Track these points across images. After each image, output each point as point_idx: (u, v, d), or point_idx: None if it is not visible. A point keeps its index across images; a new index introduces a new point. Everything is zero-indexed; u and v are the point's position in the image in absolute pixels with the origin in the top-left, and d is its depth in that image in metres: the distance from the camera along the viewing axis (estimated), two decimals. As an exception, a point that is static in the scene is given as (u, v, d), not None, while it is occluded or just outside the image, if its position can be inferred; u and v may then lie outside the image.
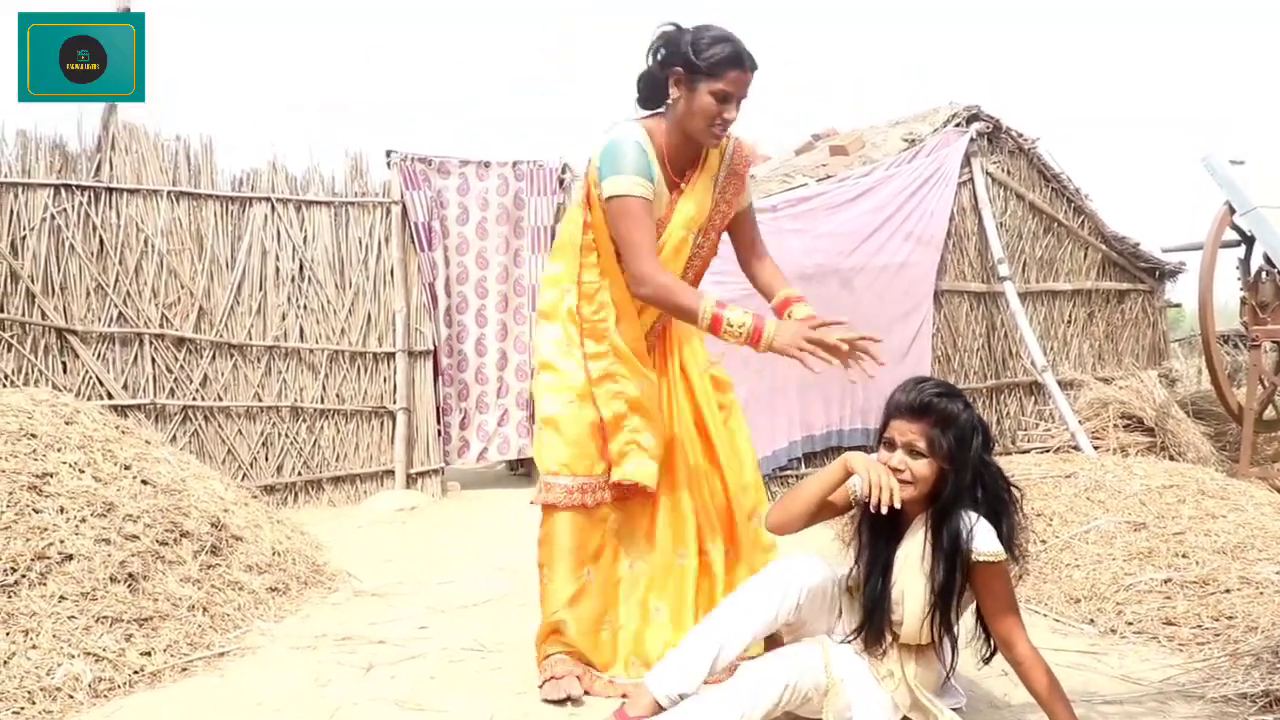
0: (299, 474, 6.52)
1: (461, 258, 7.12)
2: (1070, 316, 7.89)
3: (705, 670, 2.53)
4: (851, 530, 2.73)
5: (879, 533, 2.57)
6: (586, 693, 2.90)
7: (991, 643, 2.55)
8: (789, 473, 6.28)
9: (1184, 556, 3.91)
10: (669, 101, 2.83)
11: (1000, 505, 2.50)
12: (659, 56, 2.81)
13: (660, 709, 2.50)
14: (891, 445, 2.49)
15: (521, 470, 7.81)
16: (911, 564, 2.51)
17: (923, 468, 2.45)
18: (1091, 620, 3.66)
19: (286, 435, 6.50)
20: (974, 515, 2.45)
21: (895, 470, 2.45)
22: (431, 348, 6.91)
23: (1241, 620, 3.37)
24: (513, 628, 3.72)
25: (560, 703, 2.84)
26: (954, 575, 2.43)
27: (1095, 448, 6.36)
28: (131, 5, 5.44)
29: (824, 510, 2.66)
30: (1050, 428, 7.22)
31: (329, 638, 3.60)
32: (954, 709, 2.63)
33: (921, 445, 2.44)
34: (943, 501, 2.45)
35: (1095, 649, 3.36)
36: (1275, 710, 2.52)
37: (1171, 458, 6.34)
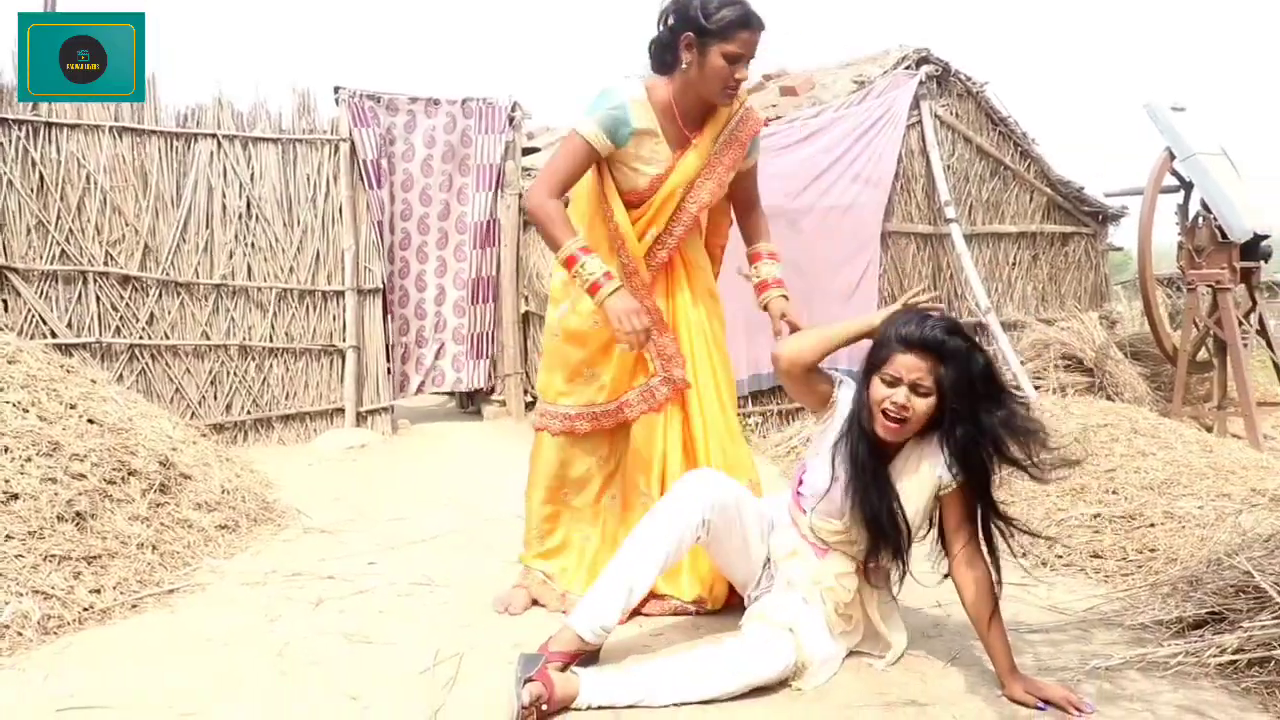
0: (248, 412, 6.50)
1: (406, 194, 7.08)
2: (1015, 259, 7.98)
3: (622, 603, 2.54)
4: (808, 455, 2.72)
5: (870, 456, 2.49)
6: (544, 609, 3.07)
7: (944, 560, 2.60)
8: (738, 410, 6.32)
9: (1114, 493, 4.00)
10: (682, 66, 2.86)
11: (1002, 422, 2.42)
12: (669, 22, 2.84)
13: (584, 642, 2.53)
14: (894, 381, 2.40)
15: (472, 408, 7.84)
16: (907, 482, 2.50)
17: (924, 406, 2.40)
18: (1024, 554, 3.72)
19: (235, 374, 6.46)
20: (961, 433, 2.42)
21: (900, 407, 2.38)
22: (381, 286, 6.89)
23: (1163, 553, 3.48)
24: (461, 562, 3.76)
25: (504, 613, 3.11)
26: (984, 471, 2.43)
27: (1036, 388, 6.51)
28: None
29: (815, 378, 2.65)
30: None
31: (278, 574, 3.61)
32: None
33: (928, 383, 2.38)
34: (946, 425, 2.41)
35: (1026, 581, 3.43)
36: (1187, 635, 2.63)
37: (1109, 397, 6.53)
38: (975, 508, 2.50)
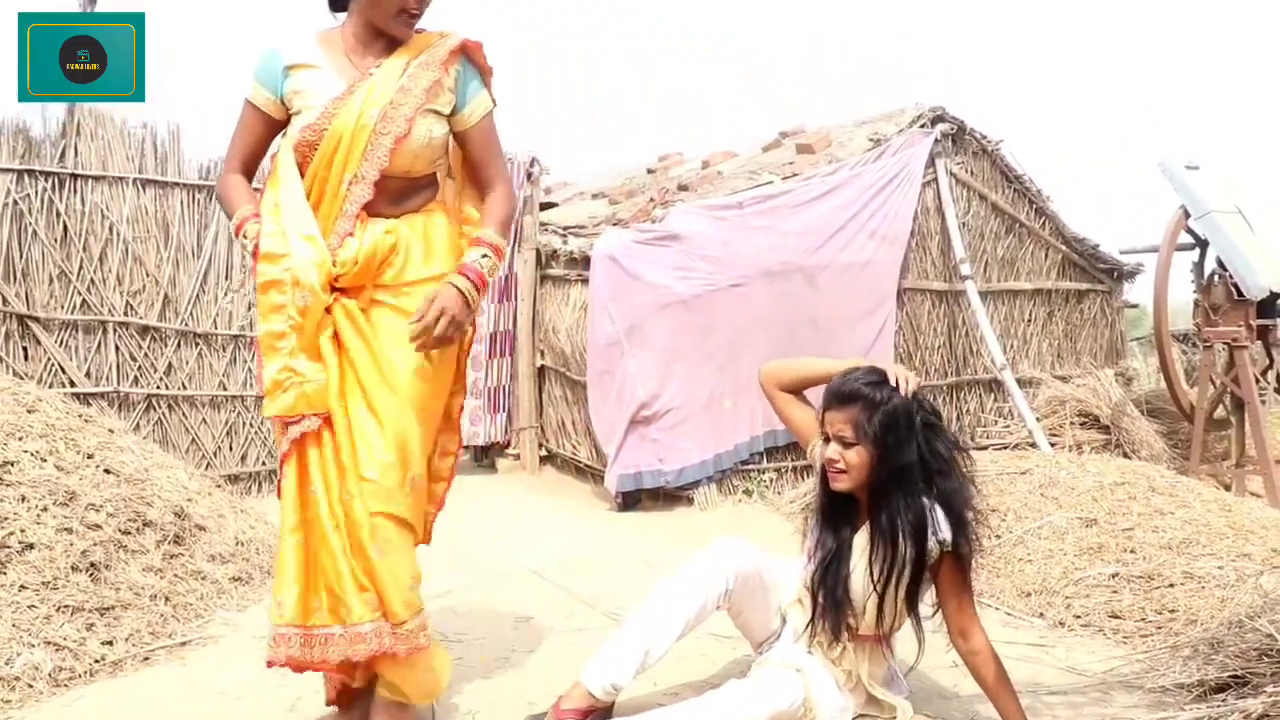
0: (263, 463, 6.50)
1: (429, 250, 7.09)
2: (1030, 315, 7.97)
3: (637, 663, 2.53)
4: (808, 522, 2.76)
5: (834, 520, 2.59)
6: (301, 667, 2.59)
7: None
8: (750, 467, 6.35)
9: (1132, 552, 3.99)
10: None
11: (952, 492, 2.50)
12: None
13: (594, 698, 2.52)
14: (826, 437, 2.52)
15: (486, 461, 7.83)
16: (866, 552, 2.54)
17: (854, 456, 2.47)
18: (1041, 614, 3.74)
19: (251, 425, 6.48)
20: (927, 502, 2.47)
21: (831, 461, 2.48)
22: (398, 339, 6.88)
23: (1183, 614, 3.46)
24: (474, 619, 3.76)
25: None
26: (899, 558, 2.46)
27: (1052, 444, 6.48)
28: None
29: (801, 408, 2.75)
30: (1009, 425, 7.31)
31: None
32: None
33: (849, 433, 2.47)
34: (875, 485, 2.47)
35: (1044, 641, 3.43)
36: (1209, 700, 2.59)
37: (1126, 455, 6.48)
38: (965, 576, 2.50)
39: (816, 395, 2.66)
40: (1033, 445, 6.49)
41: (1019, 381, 7.15)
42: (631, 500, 6.14)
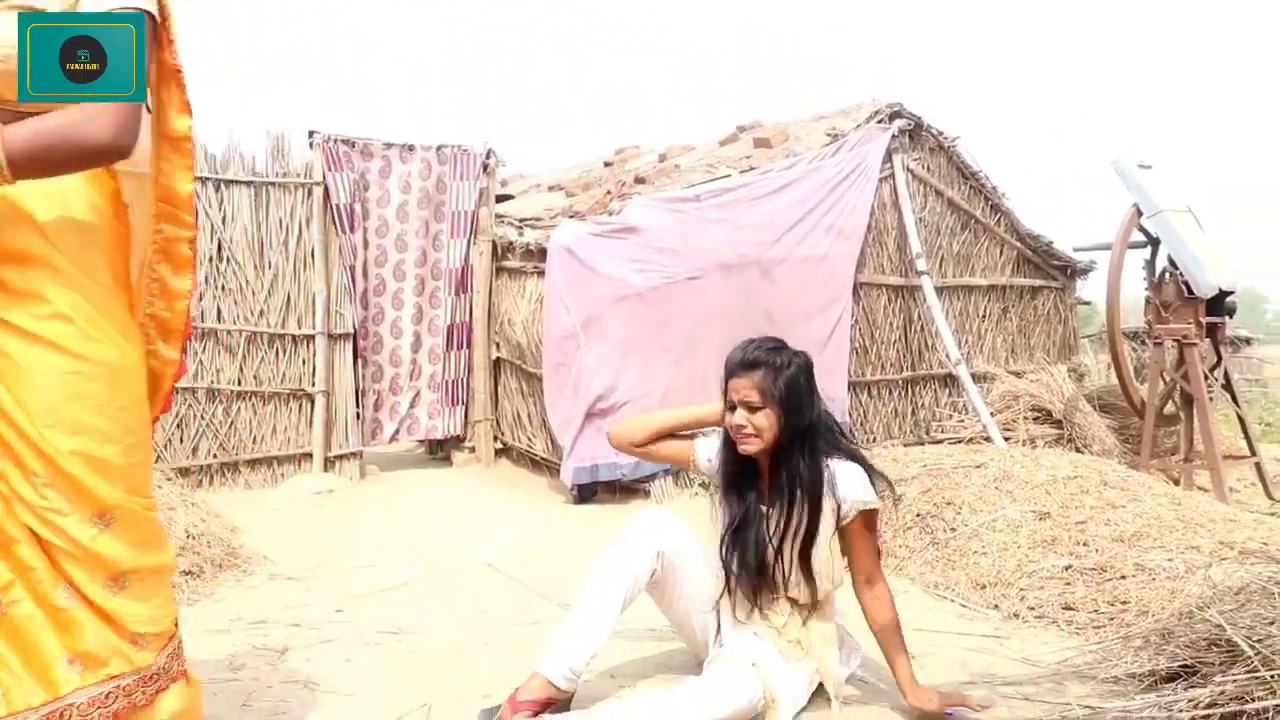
0: (215, 456, 6.41)
1: (381, 240, 7.05)
2: (985, 311, 8.06)
3: (591, 644, 2.55)
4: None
5: (739, 487, 2.67)
6: None
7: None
8: None
9: (1085, 545, 4.02)
10: None
11: (855, 451, 2.66)
12: None
13: (554, 687, 2.51)
14: (732, 405, 2.59)
15: (441, 454, 7.76)
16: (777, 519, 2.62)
17: (761, 419, 2.55)
18: (996, 605, 3.75)
19: (203, 417, 6.38)
20: (835, 461, 2.60)
21: (738, 427, 2.56)
22: (351, 330, 6.83)
23: (1134, 605, 3.49)
24: (429, 611, 3.74)
25: None
26: (795, 514, 2.57)
27: (1006, 439, 6.55)
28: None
29: (666, 443, 2.81)
30: (963, 419, 7.40)
31: (243, 621, 3.56)
32: (855, 665, 2.78)
33: (755, 398, 2.54)
34: (779, 447, 2.57)
35: (999, 633, 3.44)
36: (1159, 689, 2.62)
37: (1078, 449, 6.57)
38: (875, 531, 2.65)
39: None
40: (987, 439, 6.58)
41: (974, 376, 7.23)
42: (587, 493, 6.14)
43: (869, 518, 2.64)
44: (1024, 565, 3.95)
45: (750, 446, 2.59)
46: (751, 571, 2.64)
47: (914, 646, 3.10)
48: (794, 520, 2.59)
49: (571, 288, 6.13)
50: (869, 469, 2.65)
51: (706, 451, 2.78)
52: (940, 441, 6.78)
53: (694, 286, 6.25)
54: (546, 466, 6.74)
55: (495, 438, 7.34)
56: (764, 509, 2.65)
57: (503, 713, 2.48)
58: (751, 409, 2.57)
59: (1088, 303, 9.13)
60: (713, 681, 2.53)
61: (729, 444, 2.67)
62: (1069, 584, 3.77)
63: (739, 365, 2.60)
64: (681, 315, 6.22)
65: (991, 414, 6.81)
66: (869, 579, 2.65)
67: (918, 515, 4.59)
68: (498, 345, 7.29)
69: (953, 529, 4.40)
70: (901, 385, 7.58)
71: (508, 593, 4.02)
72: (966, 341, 7.88)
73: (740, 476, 2.69)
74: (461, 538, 5.07)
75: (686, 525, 2.75)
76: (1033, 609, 3.65)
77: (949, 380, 7.71)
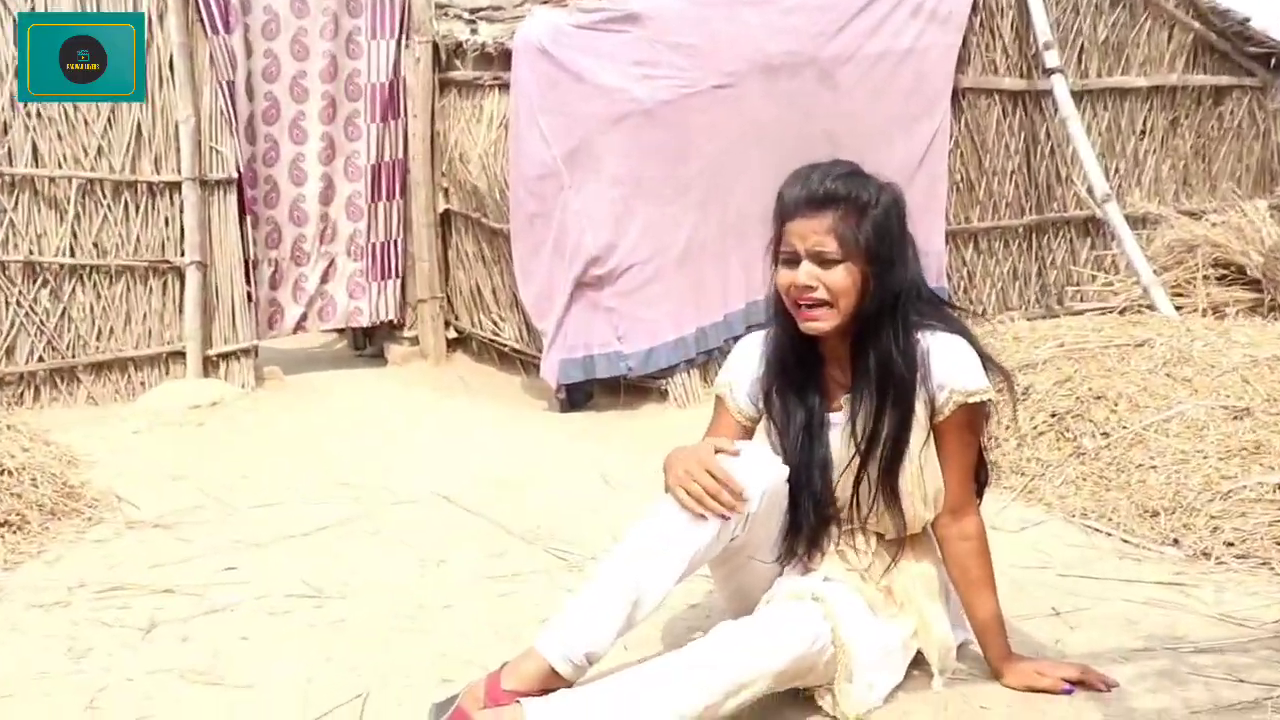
0: (41, 359, 6.37)
1: (270, 43, 6.90)
2: (1146, 125, 7.96)
3: (621, 622, 2.50)
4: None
5: (800, 383, 2.71)
6: None
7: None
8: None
9: (1307, 452, 4.02)
10: None
11: (948, 318, 2.70)
12: None
13: (557, 676, 2.46)
14: (793, 259, 2.58)
15: (371, 348, 7.73)
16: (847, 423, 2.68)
17: (839, 278, 2.54)
18: (1175, 540, 3.75)
19: (19, 303, 6.31)
20: (928, 335, 2.62)
21: (806, 289, 2.55)
22: (235, 175, 6.73)
23: (1389, 537, 3.49)
24: (360, 563, 3.78)
25: None
26: (890, 416, 2.61)
27: (1177, 308, 6.47)
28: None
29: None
30: (1112, 281, 7.35)
31: (88, 589, 3.55)
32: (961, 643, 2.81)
33: (831, 247, 2.53)
34: (864, 315, 2.58)
35: (1182, 579, 3.45)
36: None
37: (1288, 316, 6.49)
38: (978, 438, 2.72)
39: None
40: (1148, 308, 6.52)
41: (1129, 219, 7.10)
42: (579, 396, 6.19)
43: (972, 414, 2.65)
44: (1213, 483, 3.97)
45: (820, 322, 2.58)
46: (821, 502, 2.70)
47: (1060, 598, 3.29)
48: (880, 427, 2.62)
49: (549, 104, 6.10)
50: (981, 353, 2.68)
51: (744, 381, 2.81)
52: (1081, 312, 6.67)
53: (723, 99, 6.21)
54: (521, 361, 6.81)
55: (447, 323, 7.36)
56: (830, 415, 2.71)
57: (465, 701, 2.42)
58: (824, 263, 2.55)
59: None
60: (756, 625, 2.54)
61: (783, 322, 2.69)
62: (1284, 509, 3.76)
63: (803, 201, 2.58)
64: (706, 141, 6.19)
65: (1156, 271, 6.71)
66: (956, 507, 2.69)
67: (1053, 416, 4.64)
68: (446, 193, 7.26)
69: (1105, 434, 4.45)
70: (1023, 234, 7.52)
71: (472, 536, 4.06)
72: (1119, 169, 7.76)
73: (798, 369, 2.71)
74: (405, 463, 5.13)
75: (772, 454, 2.73)
76: (1231, 545, 3.66)
77: (1091, 226, 7.67)
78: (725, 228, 6.18)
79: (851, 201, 2.55)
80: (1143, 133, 7.97)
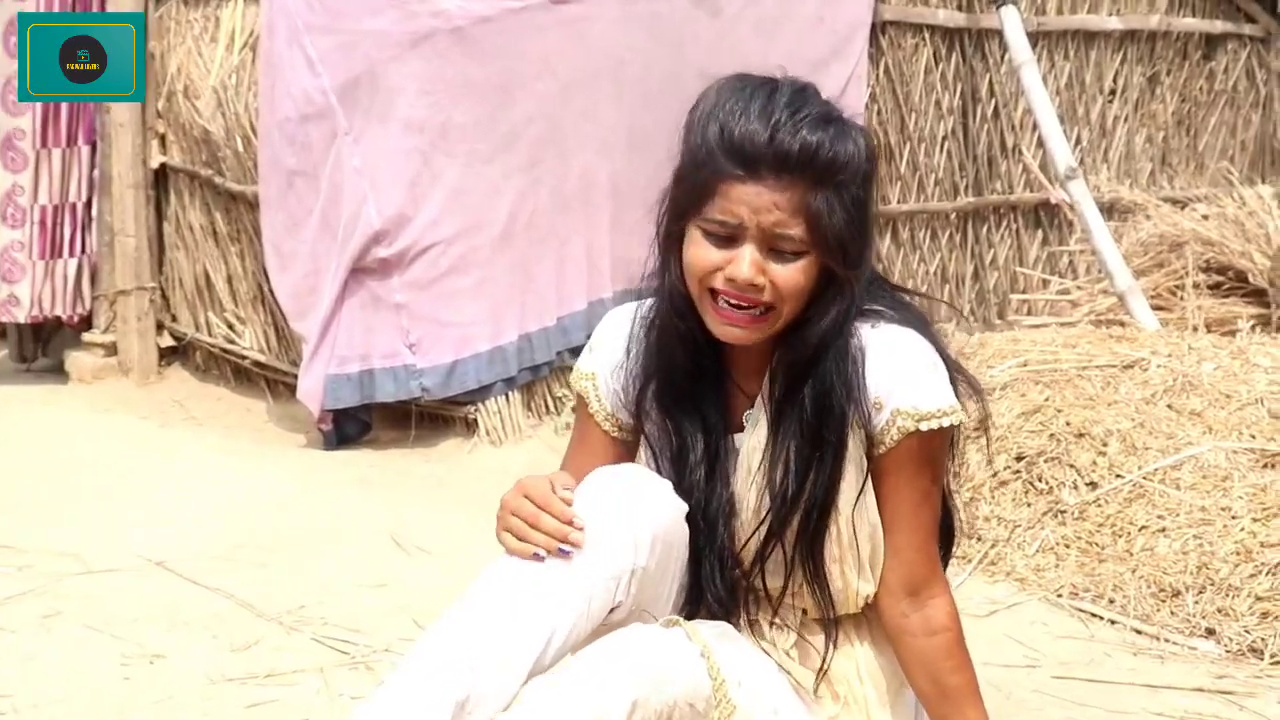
0: None
1: None
2: (1117, 82, 8.07)
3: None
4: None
5: (695, 403, 2.57)
6: None
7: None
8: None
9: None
10: None
11: (901, 305, 2.57)
12: None
13: None
14: (728, 236, 2.38)
15: (44, 360, 7.55)
16: (758, 460, 2.54)
17: (793, 277, 2.36)
18: (1209, 631, 3.74)
19: None
20: (865, 329, 2.46)
21: (748, 287, 2.36)
22: None
23: None
24: (32, 661, 3.67)
25: None
26: (824, 466, 2.46)
27: (1162, 321, 6.50)
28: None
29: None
30: (1073, 284, 7.40)
31: None
32: None
33: (797, 233, 2.34)
34: (807, 322, 2.42)
35: (1227, 684, 3.43)
36: None
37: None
38: (933, 484, 2.56)
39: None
40: (1118, 322, 6.52)
41: (1098, 205, 7.12)
42: (353, 428, 6.15)
43: (928, 445, 2.46)
44: (1251, 552, 3.98)
45: (750, 332, 2.41)
46: (726, 561, 2.58)
47: (1063, 711, 3.30)
48: (805, 485, 2.46)
49: (319, 19, 6.06)
50: (941, 350, 2.51)
51: (615, 373, 2.64)
52: (1034, 328, 6.66)
53: (566, 20, 6.26)
54: (267, 380, 6.79)
55: (160, 325, 7.16)
56: (734, 439, 2.59)
57: None
58: (779, 253, 2.35)
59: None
60: (604, 650, 2.40)
61: (681, 314, 2.49)
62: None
63: (767, 156, 2.33)
64: (540, 77, 6.21)
65: (1136, 275, 6.75)
66: (914, 584, 2.52)
67: (1019, 459, 4.67)
68: (163, 140, 7.09)
69: (1092, 484, 4.46)
70: (956, 222, 7.54)
71: (203, 620, 3.98)
72: (1079, 140, 7.82)
73: (693, 379, 2.55)
74: (99, 519, 4.99)
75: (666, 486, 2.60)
76: None
77: (1044, 214, 7.77)
78: (564, 198, 6.18)
79: (834, 168, 2.33)
80: (1112, 92, 8.09)
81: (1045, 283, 7.59)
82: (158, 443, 6.12)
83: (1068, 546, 4.22)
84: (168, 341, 7.16)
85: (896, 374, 2.43)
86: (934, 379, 2.44)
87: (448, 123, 6.03)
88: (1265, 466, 4.28)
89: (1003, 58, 7.33)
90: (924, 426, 2.42)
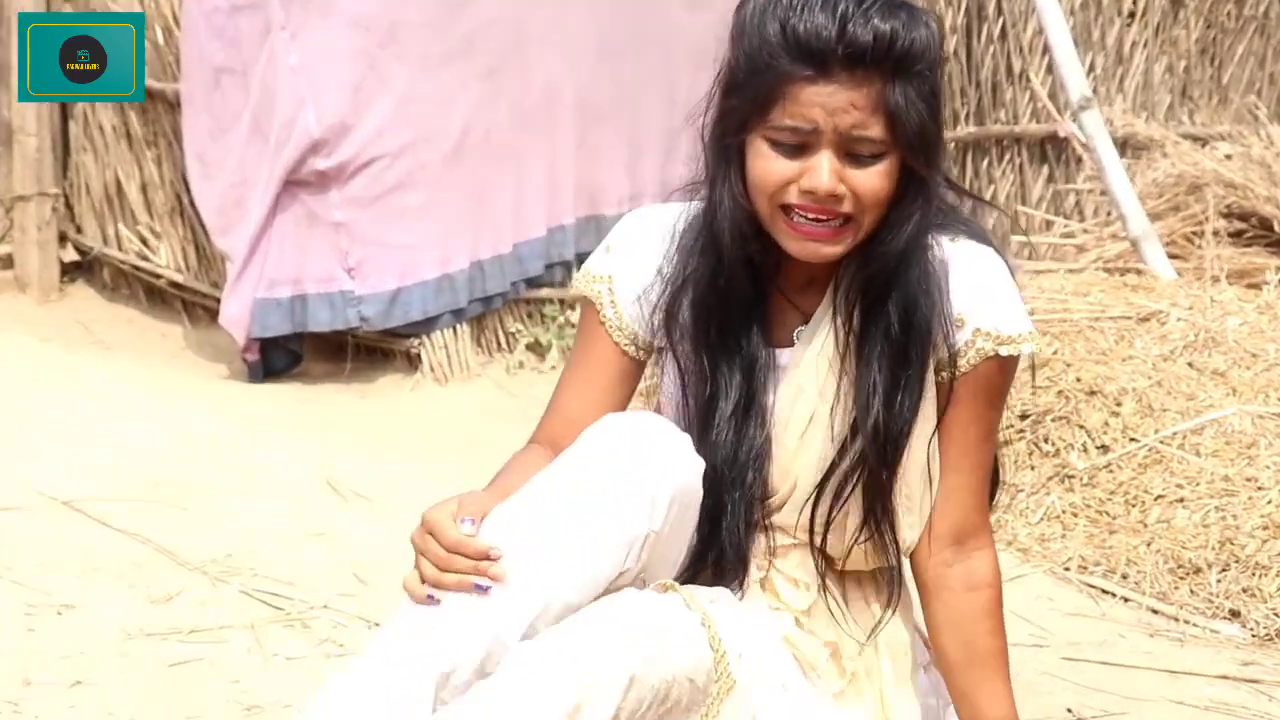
0: None
1: None
2: (1138, 4, 8.06)
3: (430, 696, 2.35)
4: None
5: (734, 323, 2.53)
6: None
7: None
8: (546, 292, 6.38)
9: None
10: None
11: (971, 224, 2.57)
12: None
13: None
14: (800, 145, 2.33)
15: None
16: (822, 380, 2.51)
17: (876, 182, 2.34)
18: (1234, 613, 3.76)
19: None
20: (947, 240, 2.48)
21: (830, 198, 2.32)
22: None
23: None
24: None
25: None
26: (912, 385, 2.46)
27: (1178, 271, 6.48)
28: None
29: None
30: (1086, 226, 7.40)
31: None
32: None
33: (877, 134, 2.31)
34: (887, 233, 2.41)
35: (1255, 671, 3.46)
36: None
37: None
38: (998, 413, 2.60)
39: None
40: (1131, 270, 6.49)
41: (1113, 140, 7.06)
42: (282, 359, 6.14)
43: (1004, 373, 2.50)
44: (1278, 526, 4.03)
45: (836, 246, 2.37)
46: (753, 503, 2.53)
47: (1075, 696, 3.31)
48: (894, 408, 2.44)
49: None
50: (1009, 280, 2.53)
51: (638, 277, 2.59)
52: (1037, 274, 6.64)
53: None
54: (184, 302, 6.81)
55: (63, 237, 7.14)
56: (777, 355, 2.55)
57: None
58: (857, 157, 2.31)
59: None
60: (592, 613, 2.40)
61: (738, 239, 2.44)
62: None
63: (837, 51, 2.27)
64: None
65: (1151, 217, 6.70)
66: (962, 531, 2.53)
67: (1023, 418, 4.75)
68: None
69: (1103, 448, 4.52)
70: (956, 154, 7.50)
71: (118, 567, 3.93)
72: (1093, 69, 7.79)
73: (738, 305, 2.51)
74: None
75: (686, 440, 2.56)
76: None
77: (1051, 148, 7.76)
78: (525, 113, 6.18)
79: (910, 58, 2.26)
80: (1131, 15, 8.08)
81: (1049, 224, 7.61)
82: (61, 368, 6.11)
83: (1075, 515, 4.22)
84: (71, 255, 7.13)
85: (981, 292, 2.44)
86: (1016, 301, 2.46)
87: (398, 21, 5.98)
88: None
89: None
90: (1004, 351, 2.43)
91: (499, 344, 6.24)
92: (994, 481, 2.64)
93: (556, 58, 6.11)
